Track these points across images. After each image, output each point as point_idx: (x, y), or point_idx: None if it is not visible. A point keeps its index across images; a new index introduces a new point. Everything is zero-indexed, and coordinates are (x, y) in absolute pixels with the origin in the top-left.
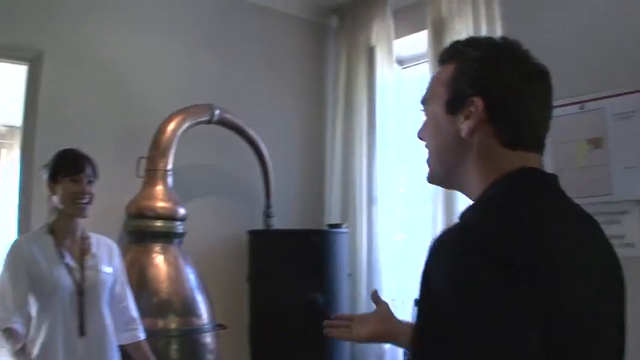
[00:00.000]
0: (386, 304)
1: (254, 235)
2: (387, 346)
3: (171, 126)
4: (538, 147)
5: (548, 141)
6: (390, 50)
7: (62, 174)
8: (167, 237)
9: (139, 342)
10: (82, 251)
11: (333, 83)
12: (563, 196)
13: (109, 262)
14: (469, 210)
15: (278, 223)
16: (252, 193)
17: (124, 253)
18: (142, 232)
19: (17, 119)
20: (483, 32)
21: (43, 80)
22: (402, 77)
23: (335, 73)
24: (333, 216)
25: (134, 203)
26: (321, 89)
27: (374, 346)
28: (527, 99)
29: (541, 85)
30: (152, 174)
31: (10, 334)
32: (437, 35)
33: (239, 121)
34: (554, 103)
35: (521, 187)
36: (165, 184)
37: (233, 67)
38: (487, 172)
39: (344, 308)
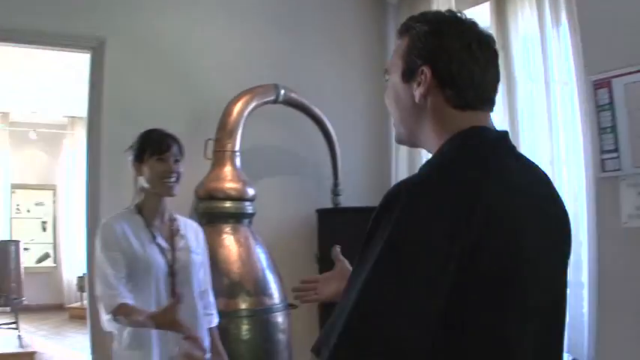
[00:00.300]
0: (344, 261)
1: (322, 213)
2: None
3: (237, 107)
4: (486, 107)
5: (625, 108)
6: None
7: (148, 153)
8: (237, 218)
9: (211, 328)
10: (172, 232)
11: None
12: (513, 150)
13: (197, 244)
14: (425, 164)
15: (345, 201)
16: (319, 172)
17: None
18: (211, 213)
19: (78, 110)
20: (546, 2)
21: (106, 68)
22: None
23: None
24: None
25: (203, 185)
26: (384, 66)
27: None
28: (469, 64)
29: (483, 52)
30: (220, 155)
31: (125, 309)
32: (499, 7)
33: (304, 100)
34: (631, 69)
35: (469, 144)
36: (233, 164)
37: (296, 47)
38: (441, 132)
39: None
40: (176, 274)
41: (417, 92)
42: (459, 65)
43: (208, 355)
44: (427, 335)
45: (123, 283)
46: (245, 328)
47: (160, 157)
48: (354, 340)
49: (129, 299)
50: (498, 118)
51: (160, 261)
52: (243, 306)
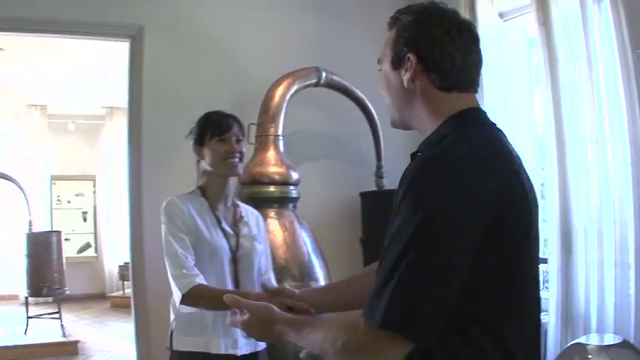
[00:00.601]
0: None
1: (366, 196)
2: None
3: (279, 90)
4: (470, 87)
5: None
6: (491, 2)
7: (209, 135)
8: (281, 202)
9: None
10: (235, 219)
11: None
12: (495, 126)
13: (258, 231)
14: (434, 143)
15: (389, 184)
16: (361, 155)
17: None
18: (256, 198)
19: (116, 100)
20: None
21: (145, 56)
22: (504, 30)
23: None
24: None
25: (247, 170)
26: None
27: None
28: (450, 49)
29: (462, 37)
30: (263, 140)
31: (203, 289)
32: None
33: (346, 83)
34: None
35: (469, 123)
36: (276, 149)
37: (337, 29)
38: (432, 113)
39: None
40: (239, 261)
41: (405, 77)
42: (440, 50)
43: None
44: (456, 289)
45: (193, 262)
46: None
47: (220, 138)
48: (402, 300)
49: (200, 279)
50: (541, 97)
51: (224, 246)
52: None
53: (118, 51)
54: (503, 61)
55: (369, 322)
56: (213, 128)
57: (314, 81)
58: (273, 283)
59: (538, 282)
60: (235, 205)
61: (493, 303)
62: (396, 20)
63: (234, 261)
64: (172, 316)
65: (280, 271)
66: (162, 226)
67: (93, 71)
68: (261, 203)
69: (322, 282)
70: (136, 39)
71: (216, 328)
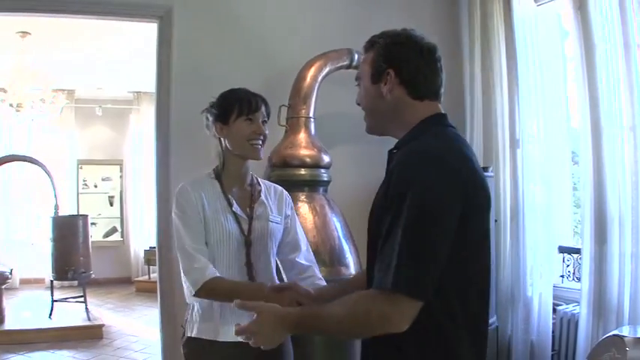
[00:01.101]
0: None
1: None
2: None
3: (311, 72)
4: (436, 97)
5: None
6: None
7: (236, 113)
8: (312, 185)
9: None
10: (251, 199)
11: (468, 23)
12: (453, 127)
13: (278, 211)
14: (410, 139)
15: None
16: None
17: None
18: (286, 181)
19: (144, 85)
20: None
21: (174, 37)
22: (538, 14)
23: (470, 13)
24: None
25: (277, 152)
26: (456, 30)
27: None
28: (422, 66)
29: (431, 57)
30: (294, 122)
31: (216, 283)
32: None
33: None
34: None
35: (439, 124)
36: (307, 131)
37: (370, 10)
38: (407, 118)
39: (491, 255)
40: (251, 245)
41: (385, 89)
42: (415, 67)
43: None
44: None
45: (205, 254)
46: None
47: (249, 118)
48: (406, 268)
49: (211, 271)
50: (576, 85)
51: (235, 231)
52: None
53: (147, 33)
54: (536, 48)
55: (379, 289)
56: (242, 106)
57: (346, 63)
58: (304, 262)
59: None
60: (254, 185)
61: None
62: (373, 43)
63: (247, 245)
64: (188, 303)
65: None
66: (174, 215)
67: (120, 55)
68: (291, 186)
69: (352, 268)
70: (164, 20)
71: (225, 316)
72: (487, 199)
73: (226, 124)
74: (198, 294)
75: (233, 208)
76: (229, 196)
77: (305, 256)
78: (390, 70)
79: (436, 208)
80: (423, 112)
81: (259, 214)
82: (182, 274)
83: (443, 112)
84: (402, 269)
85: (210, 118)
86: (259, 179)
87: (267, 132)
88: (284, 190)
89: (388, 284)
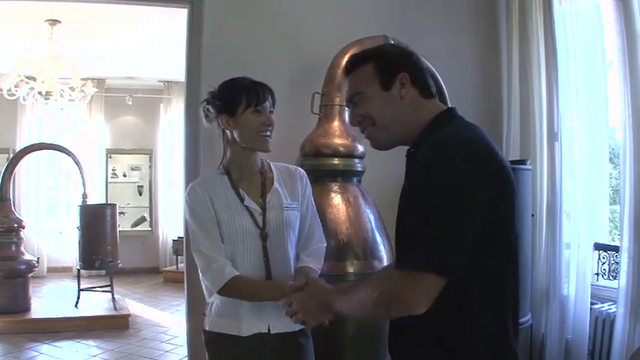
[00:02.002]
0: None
1: None
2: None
3: (346, 59)
4: (435, 96)
5: None
6: None
7: (244, 105)
8: (346, 175)
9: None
10: (263, 188)
11: (506, 12)
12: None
13: (292, 196)
14: (430, 134)
15: None
16: None
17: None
18: (319, 170)
19: (174, 74)
20: None
21: (205, 23)
22: (578, 5)
23: (508, 3)
24: (512, 153)
25: (310, 141)
26: (494, 21)
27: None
28: (422, 70)
29: (421, 63)
30: (328, 110)
31: (238, 282)
32: None
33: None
34: None
35: (454, 117)
36: (341, 120)
37: None
38: (422, 117)
39: (526, 250)
40: (268, 238)
41: (403, 91)
42: (419, 70)
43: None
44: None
45: (222, 253)
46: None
47: (257, 109)
48: (431, 248)
49: (230, 270)
50: (617, 78)
51: (248, 225)
52: (352, 269)
53: (178, 21)
54: (576, 40)
55: (404, 268)
56: (249, 98)
57: None
58: (314, 246)
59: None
60: (265, 173)
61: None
62: (368, 57)
63: (263, 238)
64: (208, 298)
65: (343, 248)
66: (187, 217)
67: (151, 44)
68: (323, 176)
69: (386, 261)
70: (195, 5)
71: (248, 312)
72: (511, 186)
73: (233, 117)
74: (220, 293)
75: (245, 202)
76: (240, 190)
77: (318, 245)
78: (403, 74)
79: (464, 193)
80: (433, 109)
81: (272, 203)
82: (200, 275)
83: (451, 106)
84: (428, 249)
85: (213, 110)
86: (272, 164)
87: (273, 122)
88: (298, 169)
89: (417, 263)
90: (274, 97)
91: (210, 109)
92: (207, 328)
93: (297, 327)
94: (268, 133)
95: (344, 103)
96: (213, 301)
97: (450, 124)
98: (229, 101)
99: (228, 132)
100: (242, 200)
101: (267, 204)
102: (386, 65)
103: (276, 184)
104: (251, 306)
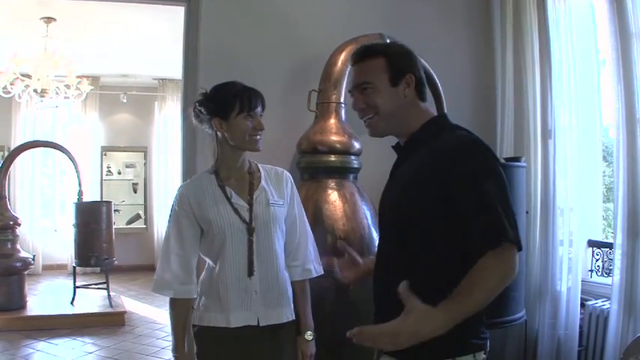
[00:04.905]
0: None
1: None
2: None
3: (342, 56)
4: (427, 100)
5: None
6: None
7: (237, 110)
8: (342, 172)
9: (296, 282)
10: (250, 186)
11: (500, 11)
12: None
13: (279, 194)
14: (435, 134)
15: None
16: None
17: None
18: (315, 167)
19: (169, 72)
20: None
21: (202, 20)
22: (571, 3)
23: (502, 1)
24: (505, 150)
25: (306, 138)
26: (488, 18)
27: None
28: (422, 76)
29: (422, 70)
30: (324, 107)
31: (188, 305)
32: None
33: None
34: None
35: (450, 122)
36: (338, 117)
37: None
38: (417, 117)
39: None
40: (255, 232)
41: (407, 91)
42: (422, 73)
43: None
44: None
45: (187, 262)
46: (351, 289)
47: (249, 114)
48: (511, 223)
49: (193, 288)
50: (610, 77)
51: (235, 222)
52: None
53: (174, 19)
54: (570, 38)
55: (492, 247)
56: (242, 104)
57: None
58: (302, 249)
59: None
60: (253, 172)
61: None
62: (380, 51)
63: (250, 233)
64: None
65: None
66: (168, 220)
67: (146, 42)
68: (320, 173)
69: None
70: (192, 2)
71: (236, 304)
72: None
73: (226, 120)
74: (155, 292)
75: (232, 199)
76: (227, 188)
77: (307, 244)
78: (410, 74)
79: (504, 177)
80: (427, 112)
81: (259, 199)
82: (164, 277)
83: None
84: (509, 228)
85: (205, 112)
86: (259, 165)
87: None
88: (285, 171)
89: (509, 237)
90: (264, 103)
91: (203, 110)
92: (195, 322)
93: (285, 320)
94: (258, 137)
95: (340, 101)
96: (202, 295)
97: (451, 127)
98: (223, 105)
99: (219, 133)
100: (229, 197)
101: (254, 200)
102: (397, 63)
103: (263, 183)
104: (239, 298)
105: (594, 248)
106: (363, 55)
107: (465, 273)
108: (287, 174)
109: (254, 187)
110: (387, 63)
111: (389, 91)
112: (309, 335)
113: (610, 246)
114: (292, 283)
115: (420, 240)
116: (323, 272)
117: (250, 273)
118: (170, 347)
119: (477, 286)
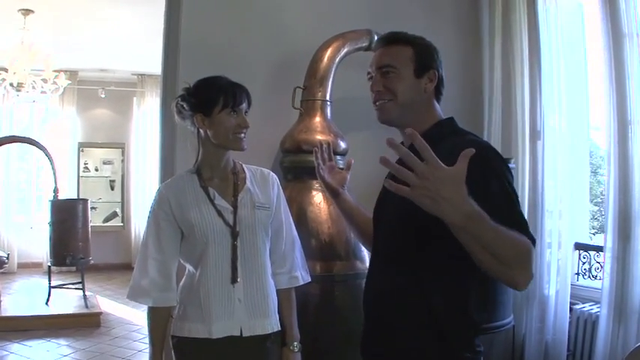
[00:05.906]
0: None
1: None
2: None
3: (328, 53)
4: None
5: None
6: None
7: (220, 106)
8: None
9: (281, 291)
10: (235, 188)
11: (489, 10)
12: None
13: (265, 196)
14: (447, 134)
15: None
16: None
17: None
18: (299, 167)
19: (148, 67)
20: None
21: (183, 14)
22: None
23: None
24: None
25: (290, 137)
26: (477, 18)
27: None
28: (442, 76)
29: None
30: (309, 105)
31: (167, 313)
32: None
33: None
34: None
35: (458, 126)
36: (323, 115)
37: None
38: (429, 115)
39: None
40: (239, 236)
41: (429, 85)
42: (442, 73)
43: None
44: None
45: (165, 268)
46: (336, 294)
47: (234, 110)
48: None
49: (173, 296)
50: (602, 78)
51: (217, 224)
52: (334, 270)
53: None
54: (559, 38)
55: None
56: (227, 99)
57: (365, 44)
58: (288, 255)
59: None
60: (237, 173)
61: None
62: (408, 40)
63: (234, 237)
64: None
65: (324, 248)
66: (147, 222)
67: (125, 36)
68: (304, 173)
69: (368, 262)
70: None
71: (218, 314)
72: None
73: (208, 116)
74: (131, 299)
75: (215, 201)
76: (209, 189)
77: (293, 248)
78: (435, 70)
79: (512, 185)
80: (439, 113)
81: (244, 202)
82: (134, 271)
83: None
84: (528, 229)
85: (187, 108)
86: (244, 166)
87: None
88: (271, 172)
89: (529, 236)
90: (250, 99)
91: (185, 106)
92: (174, 333)
93: (270, 330)
94: (243, 135)
95: (326, 98)
96: (181, 303)
97: (462, 132)
98: (206, 100)
99: (202, 131)
100: (212, 199)
101: (238, 202)
102: (424, 57)
103: (248, 184)
104: (221, 307)
105: (581, 251)
106: (393, 40)
107: (469, 278)
108: (273, 175)
109: (239, 188)
110: (414, 54)
111: (412, 80)
112: (295, 346)
113: (597, 249)
114: (277, 291)
115: (432, 242)
116: (310, 280)
117: (234, 280)
118: (147, 350)
119: (508, 236)
